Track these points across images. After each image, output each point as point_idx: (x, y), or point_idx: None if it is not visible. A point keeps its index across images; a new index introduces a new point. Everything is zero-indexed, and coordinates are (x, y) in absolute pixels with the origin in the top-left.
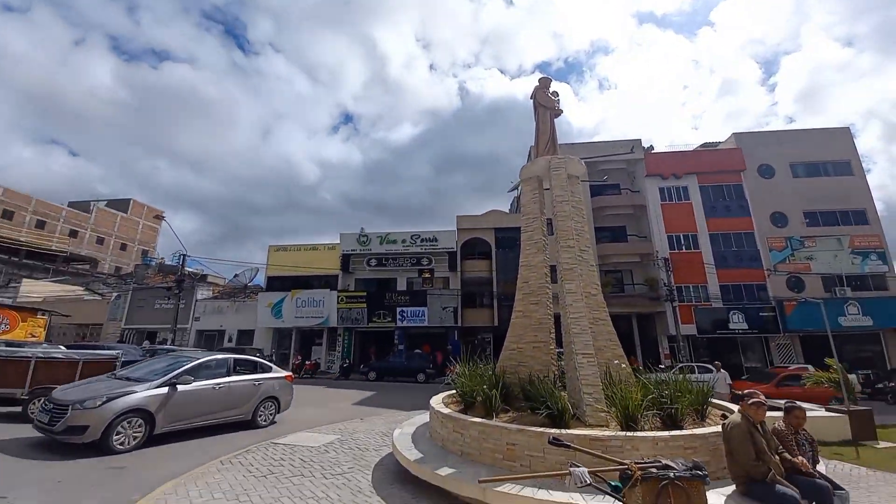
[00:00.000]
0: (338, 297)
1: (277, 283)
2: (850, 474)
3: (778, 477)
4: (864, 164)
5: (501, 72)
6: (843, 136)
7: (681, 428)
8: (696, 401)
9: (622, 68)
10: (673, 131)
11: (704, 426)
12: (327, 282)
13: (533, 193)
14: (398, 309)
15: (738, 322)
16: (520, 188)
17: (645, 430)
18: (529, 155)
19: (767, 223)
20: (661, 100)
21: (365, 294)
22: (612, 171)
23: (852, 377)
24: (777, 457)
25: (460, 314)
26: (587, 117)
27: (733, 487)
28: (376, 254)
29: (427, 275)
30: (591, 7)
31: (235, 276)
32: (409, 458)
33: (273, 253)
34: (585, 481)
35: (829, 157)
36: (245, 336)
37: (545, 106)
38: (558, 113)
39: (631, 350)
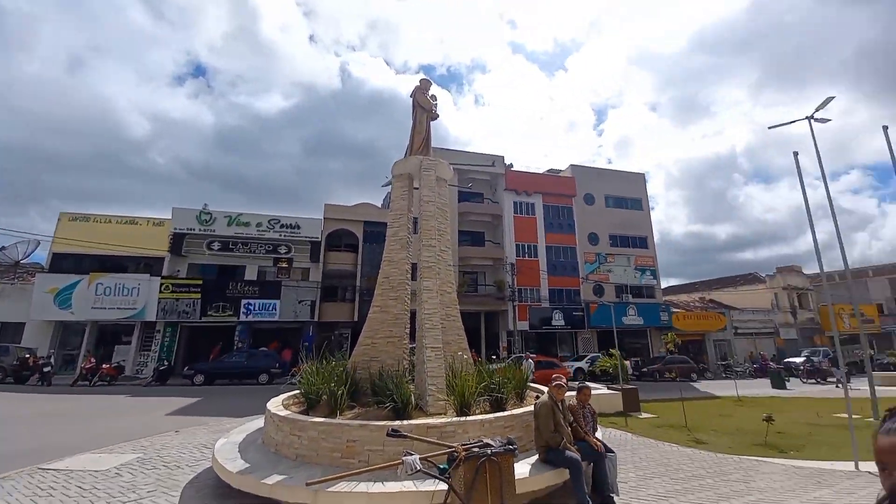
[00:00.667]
0: (161, 284)
1: (69, 263)
2: (620, 439)
3: (568, 444)
4: (650, 203)
5: (387, 63)
6: (639, 180)
7: (504, 410)
8: (517, 385)
9: (495, 89)
10: (529, 154)
11: (522, 407)
12: (148, 265)
13: (403, 190)
14: (244, 301)
15: (558, 320)
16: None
17: (476, 415)
18: (407, 153)
19: (585, 241)
20: (523, 124)
21: (201, 282)
22: (478, 181)
23: (627, 363)
24: (569, 427)
25: (318, 308)
26: (462, 127)
27: (537, 456)
28: (222, 236)
29: (284, 264)
30: (474, 25)
31: (2, 249)
32: (231, 469)
33: (66, 223)
34: (416, 468)
35: (629, 195)
36: (10, 331)
37: (423, 107)
38: (434, 116)
39: (477, 344)
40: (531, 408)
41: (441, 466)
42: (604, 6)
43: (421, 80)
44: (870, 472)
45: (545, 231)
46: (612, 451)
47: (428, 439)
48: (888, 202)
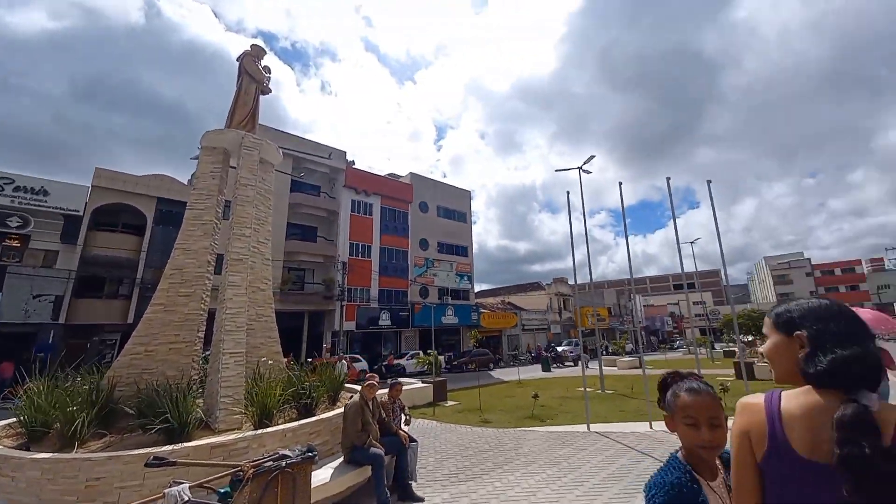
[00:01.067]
0: None
1: None
2: (427, 427)
3: (373, 441)
4: (473, 217)
5: (217, 15)
6: (466, 196)
7: (313, 415)
8: (331, 388)
9: (344, 81)
10: (372, 155)
11: (333, 410)
12: None
13: (214, 167)
14: None
15: (385, 320)
16: None
17: (279, 424)
18: (227, 124)
19: (417, 245)
20: (369, 124)
21: None
22: (315, 173)
23: (442, 357)
24: (377, 425)
25: (67, 306)
26: (305, 112)
27: (342, 458)
28: None
29: (14, 242)
30: (327, 8)
31: None
32: None
33: None
34: (183, 499)
35: (457, 208)
36: None
37: (252, 76)
38: (266, 90)
39: (297, 346)
40: (341, 410)
41: (222, 490)
42: (451, 34)
43: (252, 46)
44: (597, 433)
45: (381, 233)
46: (415, 441)
47: (207, 462)
48: (619, 236)
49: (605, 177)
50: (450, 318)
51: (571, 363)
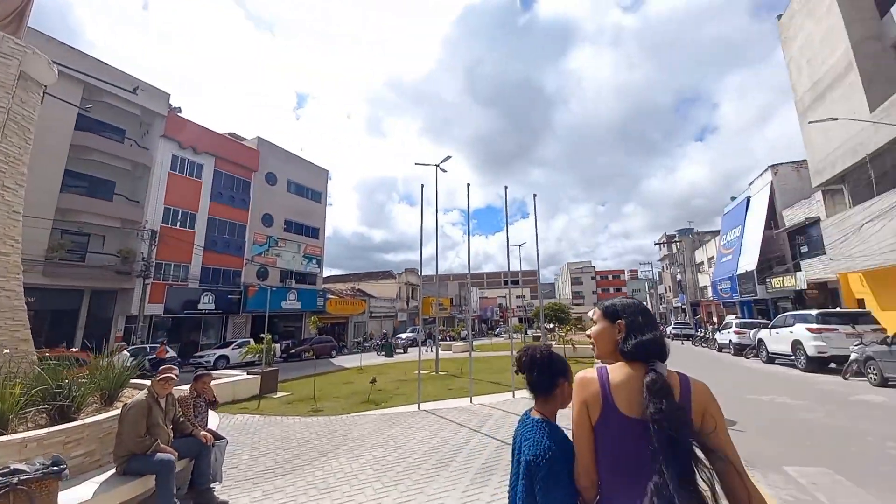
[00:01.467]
0: None
1: None
2: (245, 422)
3: (162, 445)
4: (329, 199)
5: None
6: (323, 175)
7: (73, 419)
8: (107, 385)
9: (186, 13)
10: (212, 106)
11: (108, 412)
12: None
13: None
14: None
15: (207, 303)
16: None
17: (20, 432)
18: None
19: (259, 221)
20: (214, 64)
21: None
22: (120, 113)
23: (277, 346)
24: (171, 426)
25: None
26: (119, 35)
27: (113, 471)
28: None
29: None
30: None
31: None
32: None
33: None
34: None
35: (312, 186)
36: None
37: None
38: None
39: (70, 333)
40: (117, 412)
41: None
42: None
43: None
44: (426, 411)
45: (211, 200)
46: (223, 438)
47: None
48: (464, 234)
49: (461, 179)
50: (292, 304)
51: (401, 350)
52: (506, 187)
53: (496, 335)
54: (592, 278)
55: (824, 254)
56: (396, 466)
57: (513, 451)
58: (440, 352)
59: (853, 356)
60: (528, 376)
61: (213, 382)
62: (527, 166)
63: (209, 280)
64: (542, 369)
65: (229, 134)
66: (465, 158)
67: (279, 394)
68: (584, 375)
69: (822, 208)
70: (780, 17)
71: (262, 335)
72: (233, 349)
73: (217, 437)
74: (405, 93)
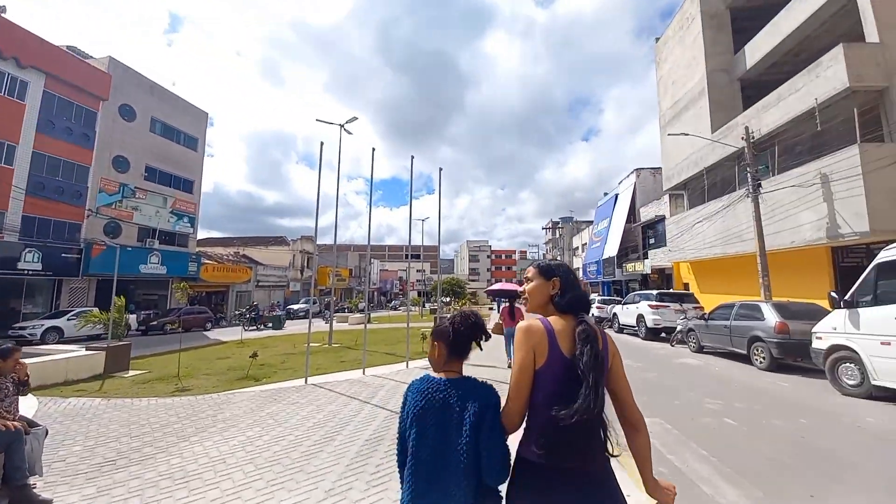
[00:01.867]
0: None
1: None
2: (82, 407)
3: None
4: (208, 148)
5: None
6: (201, 117)
7: None
8: None
9: None
10: (51, 15)
11: None
12: None
13: None
14: None
15: (31, 262)
16: None
17: None
18: None
19: (108, 163)
20: None
21: None
22: None
23: (133, 316)
24: None
25: None
26: None
27: None
28: None
29: None
30: None
31: None
32: None
33: None
34: None
35: (185, 129)
36: None
37: None
38: None
39: None
40: None
41: None
42: None
43: None
44: (314, 385)
45: (37, 130)
46: (39, 426)
47: None
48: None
49: (367, 146)
50: (154, 268)
51: (271, 325)
52: (412, 157)
53: (393, 308)
54: (488, 256)
55: (665, 245)
56: (273, 446)
57: (424, 413)
58: (336, 324)
59: (679, 328)
60: (465, 339)
61: (34, 360)
62: (435, 142)
63: (35, 233)
64: (473, 332)
65: (68, 47)
66: (373, 124)
67: (131, 372)
68: (531, 325)
69: (667, 208)
70: (657, 39)
71: (108, 306)
72: (68, 319)
73: (31, 424)
74: (310, 38)
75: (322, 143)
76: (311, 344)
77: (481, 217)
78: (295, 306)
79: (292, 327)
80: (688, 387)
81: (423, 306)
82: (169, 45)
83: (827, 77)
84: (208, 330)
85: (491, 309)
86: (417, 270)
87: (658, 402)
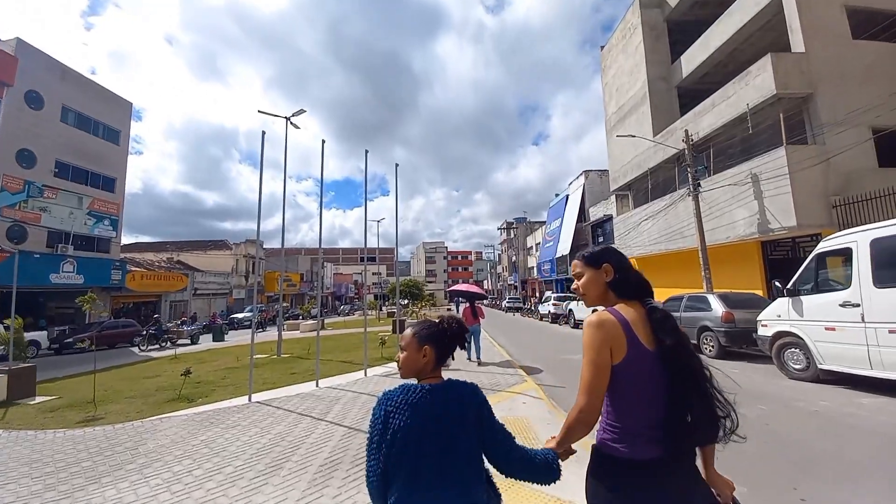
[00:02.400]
0: None
1: None
2: None
3: None
4: (135, 143)
5: None
6: (124, 108)
7: None
8: None
9: None
10: None
11: None
12: None
13: None
14: None
15: None
16: None
17: None
18: None
19: (11, 158)
20: None
21: None
22: None
23: (44, 333)
24: None
25: None
26: None
27: None
28: None
29: None
30: None
31: None
32: None
33: None
34: None
35: (105, 120)
36: None
37: None
38: None
39: None
40: None
41: None
42: None
43: None
44: (259, 402)
45: None
46: None
47: None
48: (322, 207)
49: (317, 144)
50: (69, 277)
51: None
52: (366, 151)
53: (346, 314)
54: (444, 258)
55: (613, 243)
56: (207, 482)
57: (412, 427)
58: (286, 332)
59: None
60: (455, 343)
61: None
62: (389, 143)
63: None
64: (462, 336)
65: None
66: (325, 123)
67: (38, 398)
68: (603, 318)
69: (614, 208)
70: (602, 47)
71: (6, 321)
72: None
73: None
74: (252, 29)
75: (263, 133)
76: (257, 356)
77: (437, 219)
78: (239, 315)
79: (237, 338)
80: None
81: (381, 310)
82: (88, 31)
83: (755, 85)
84: (138, 345)
85: (449, 310)
86: (374, 273)
87: None
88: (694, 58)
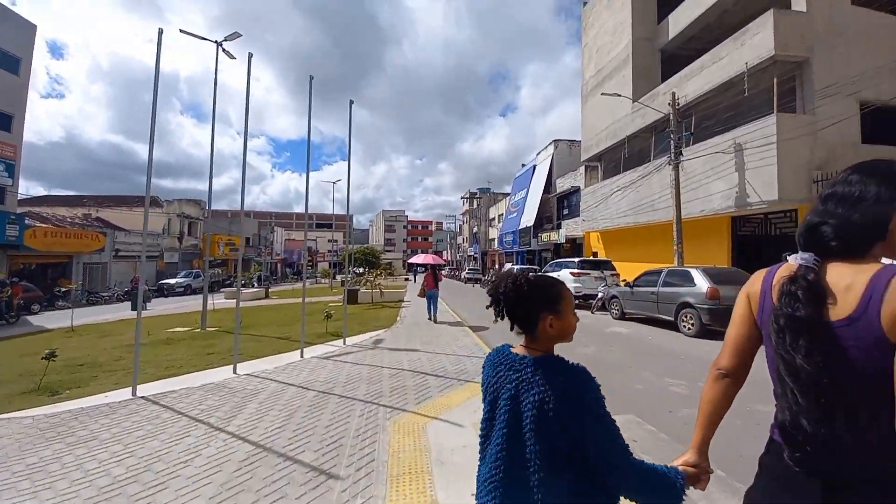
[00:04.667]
0: None
1: None
2: None
3: None
4: (57, 86)
5: None
6: (26, 30)
7: None
8: None
9: None
10: None
11: None
12: None
13: None
14: None
15: None
16: None
17: None
18: None
19: None
20: None
21: None
22: None
23: None
24: None
25: None
26: None
27: None
28: None
29: None
30: None
31: None
32: None
33: None
34: None
35: (1, 44)
36: None
37: None
38: None
39: None
40: None
41: None
42: None
43: None
44: (145, 398)
45: None
46: None
47: None
48: (275, 168)
49: (272, 99)
50: None
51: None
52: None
53: (297, 280)
54: (404, 227)
55: (579, 216)
56: None
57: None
58: (222, 301)
59: (600, 294)
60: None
61: None
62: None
63: None
64: (515, 301)
65: None
66: (279, 75)
67: None
68: (759, 272)
69: (583, 180)
70: (585, 3)
71: None
72: None
73: None
74: None
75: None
76: (177, 329)
77: (399, 187)
78: (171, 281)
79: (166, 305)
80: (639, 365)
81: (335, 278)
82: None
83: (753, 44)
84: (36, 312)
85: (407, 280)
86: (329, 240)
87: (618, 389)
88: (683, 16)
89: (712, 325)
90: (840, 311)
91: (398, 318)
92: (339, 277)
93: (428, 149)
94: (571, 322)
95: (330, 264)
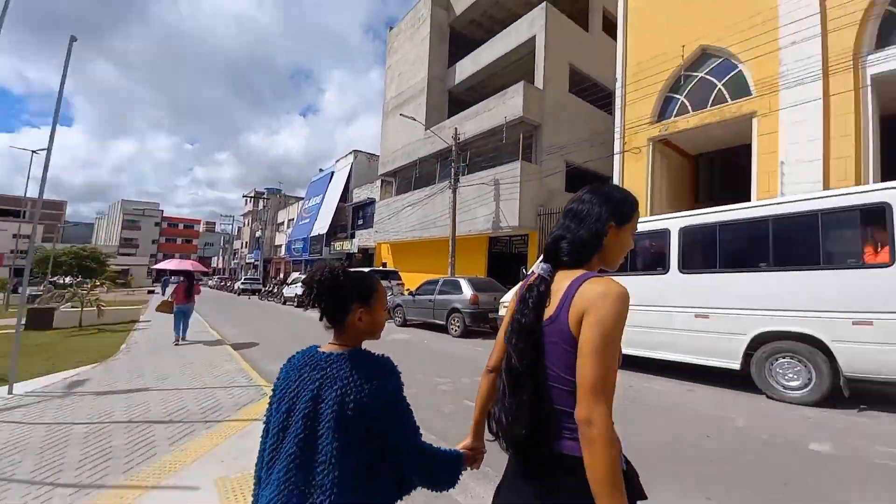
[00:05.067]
0: None
1: None
2: None
3: None
4: None
5: None
6: None
7: None
8: None
9: None
10: None
11: None
12: None
13: None
14: None
15: None
16: None
17: None
18: None
19: None
20: None
21: None
22: None
23: None
24: None
25: None
26: None
27: None
28: None
29: None
30: None
31: None
32: None
33: None
34: None
35: None
36: None
37: None
38: None
39: None
40: None
41: None
42: None
43: None
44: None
45: None
46: None
47: None
48: None
49: None
50: None
51: None
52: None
53: None
54: (157, 224)
55: (372, 227)
56: None
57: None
58: None
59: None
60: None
61: None
62: (91, 53)
63: None
64: (329, 288)
65: None
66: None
67: None
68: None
69: (378, 192)
70: (391, 28)
71: None
72: None
73: None
74: None
75: None
76: None
77: (155, 174)
78: None
79: None
80: (414, 368)
81: (14, 291)
82: None
83: (510, 104)
84: None
85: (151, 292)
86: (14, 235)
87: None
88: (466, 68)
89: (473, 325)
90: (549, 311)
91: (123, 346)
92: (19, 290)
93: (204, 132)
94: (381, 317)
95: (12, 271)
